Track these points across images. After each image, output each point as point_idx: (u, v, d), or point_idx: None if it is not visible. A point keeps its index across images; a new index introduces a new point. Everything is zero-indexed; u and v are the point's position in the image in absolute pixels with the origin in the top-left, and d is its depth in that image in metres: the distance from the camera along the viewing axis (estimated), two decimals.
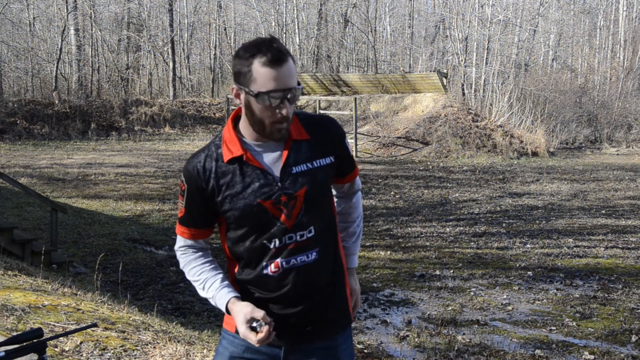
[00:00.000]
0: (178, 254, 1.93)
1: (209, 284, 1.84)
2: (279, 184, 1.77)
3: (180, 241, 1.91)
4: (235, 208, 1.77)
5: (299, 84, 1.73)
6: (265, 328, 1.70)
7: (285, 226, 1.78)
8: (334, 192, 2.02)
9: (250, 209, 1.76)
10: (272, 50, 1.66)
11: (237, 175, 1.77)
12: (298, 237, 1.79)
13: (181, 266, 1.93)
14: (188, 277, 1.91)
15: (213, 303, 1.83)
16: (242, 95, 1.73)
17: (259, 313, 1.72)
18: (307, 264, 1.80)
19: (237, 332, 1.83)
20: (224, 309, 1.79)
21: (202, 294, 1.87)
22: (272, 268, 1.80)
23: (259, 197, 1.76)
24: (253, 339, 1.70)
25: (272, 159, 1.79)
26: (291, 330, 1.84)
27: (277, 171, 1.78)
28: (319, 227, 1.82)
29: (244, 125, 1.81)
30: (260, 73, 1.66)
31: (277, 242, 1.78)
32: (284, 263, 1.79)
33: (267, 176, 1.77)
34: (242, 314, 1.72)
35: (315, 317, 1.85)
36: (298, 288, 1.80)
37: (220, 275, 1.86)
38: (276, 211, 1.77)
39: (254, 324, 1.72)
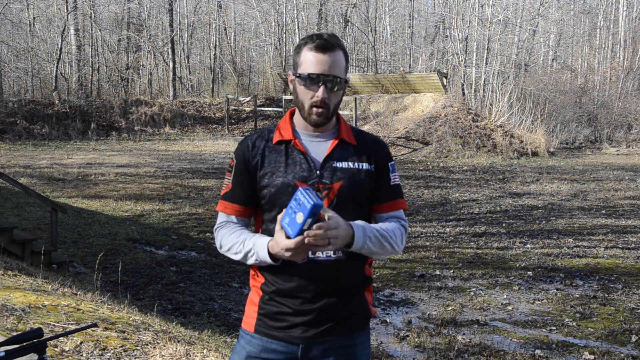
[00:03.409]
0: (216, 229, 1.94)
1: (250, 238, 1.83)
2: (318, 171, 1.85)
3: (221, 217, 1.95)
4: (272, 185, 1.85)
5: (346, 82, 1.86)
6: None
7: None
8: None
9: (285, 187, 1.83)
10: (320, 38, 1.83)
11: (282, 156, 1.88)
12: None
13: (218, 239, 1.92)
14: (224, 244, 1.89)
15: (253, 257, 1.81)
16: (293, 80, 1.88)
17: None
18: (331, 260, 1.83)
19: (255, 331, 1.88)
20: (265, 252, 1.77)
21: (240, 251, 1.84)
22: None
23: (297, 179, 1.84)
24: (292, 244, 1.66)
25: (318, 150, 1.89)
26: (310, 327, 1.86)
27: (319, 160, 1.87)
28: None
29: (297, 115, 1.94)
30: (306, 57, 1.83)
31: None
32: (309, 253, 1.82)
33: (309, 163, 1.86)
34: (277, 242, 1.71)
35: (334, 315, 1.86)
36: (318, 283, 1.82)
37: (261, 235, 1.86)
38: None
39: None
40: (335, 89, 1.84)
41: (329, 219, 1.66)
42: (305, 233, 1.62)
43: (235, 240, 1.86)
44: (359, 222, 1.80)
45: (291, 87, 1.91)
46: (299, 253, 1.69)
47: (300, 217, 1.61)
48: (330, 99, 1.84)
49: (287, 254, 1.69)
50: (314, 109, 1.84)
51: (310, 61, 1.82)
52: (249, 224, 1.99)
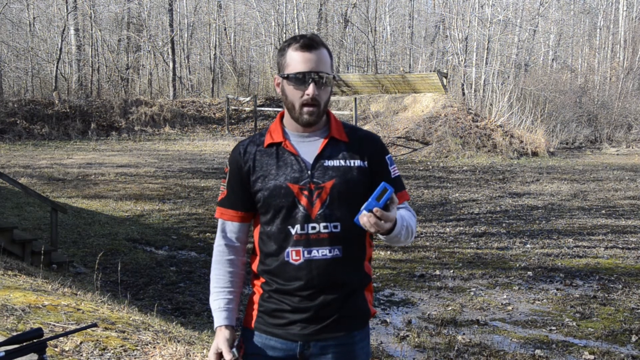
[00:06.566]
0: (215, 245, 2.01)
1: (219, 297, 1.96)
2: (309, 171, 1.86)
3: (221, 225, 1.99)
4: (265, 188, 1.86)
5: (335, 78, 1.90)
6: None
7: (308, 213, 1.84)
8: None
9: (278, 189, 1.85)
10: (304, 38, 1.85)
11: (273, 158, 1.89)
12: (322, 229, 1.84)
13: (213, 258, 2.01)
14: (211, 274, 2.01)
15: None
16: (280, 82, 1.89)
17: (228, 350, 1.85)
18: (328, 258, 1.84)
19: (254, 328, 1.92)
20: (215, 327, 1.93)
21: (210, 297, 1.99)
22: (293, 256, 1.84)
23: (289, 181, 1.85)
24: None
25: (309, 150, 1.90)
26: (308, 325, 1.86)
27: (310, 161, 1.88)
28: (346, 225, 1.84)
29: (286, 117, 1.94)
30: (292, 57, 1.84)
31: (299, 228, 1.84)
32: (305, 252, 1.83)
33: (300, 163, 1.87)
34: (216, 342, 1.87)
35: (332, 312, 1.87)
36: (315, 281, 1.83)
37: (231, 296, 1.96)
38: (301, 196, 1.84)
39: (229, 354, 1.84)
40: (324, 85, 1.85)
41: (391, 209, 1.71)
42: (376, 209, 1.66)
43: (213, 284, 1.98)
44: (399, 213, 1.82)
45: (278, 90, 1.92)
46: None
47: (383, 195, 1.68)
48: (320, 96, 1.84)
49: None
50: (305, 108, 1.84)
51: (297, 60, 1.83)
52: (247, 231, 2.00)
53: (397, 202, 1.72)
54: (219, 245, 1.99)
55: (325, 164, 1.87)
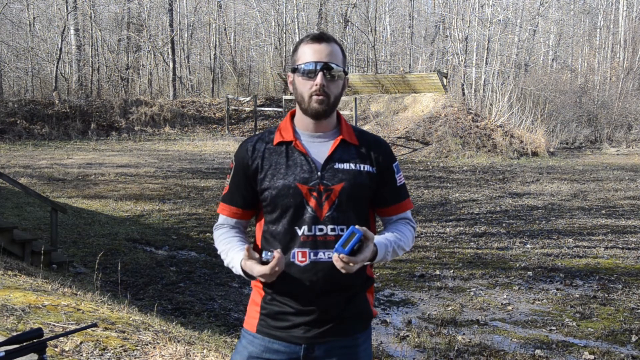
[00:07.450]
0: (214, 230, 2.00)
1: (231, 251, 1.88)
2: (319, 173, 1.84)
3: (220, 219, 1.99)
4: (273, 187, 1.84)
5: (346, 73, 1.88)
6: (275, 253, 1.72)
7: (316, 215, 1.82)
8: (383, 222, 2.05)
9: (287, 189, 1.83)
10: (315, 33, 1.88)
11: (283, 157, 1.87)
12: (329, 231, 1.83)
13: (215, 240, 1.98)
14: (217, 247, 1.95)
15: (234, 271, 1.86)
16: (292, 79, 1.89)
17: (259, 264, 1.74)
18: (332, 261, 1.82)
19: (257, 331, 1.88)
20: (240, 271, 1.81)
21: (225, 260, 1.90)
22: (299, 257, 1.83)
23: (298, 181, 1.83)
24: (267, 270, 1.71)
25: (319, 151, 1.88)
26: (311, 327, 1.86)
27: (320, 161, 1.86)
28: None
29: (298, 116, 1.93)
30: (303, 50, 1.86)
31: (306, 229, 1.82)
32: (311, 254, 1.82)
33: (310, 164, 1.85)
34: (251, 262, 1.76)
35: (335, 315, 1.86)
36: (320, 283, 1.82)
37: (246, 245, 1.88)
38: (310, 197, 1.83)
39: (263, 258, 1.74)
40: (335, 77, 1.84)
41: (364, 251, 1.72)
42: (342, 255, 1.69)
43: (222, 249, 1.91)
44: (383, 240, 1.83)
45: (291, 88, 1.90)
46: (271, 278, 1.74)
47: (351, 239, 1.70)
48: (329, 88, 1.83)
49: (262, 279, 1.75)
50: (314, 97, 1.82)
51: (307, 52, 1.83)
52: (246, 225, 1.99)
53: (371, 239, 1.72)
54: (217, 225, 1.99)
55: (335, 167, 1.85)
